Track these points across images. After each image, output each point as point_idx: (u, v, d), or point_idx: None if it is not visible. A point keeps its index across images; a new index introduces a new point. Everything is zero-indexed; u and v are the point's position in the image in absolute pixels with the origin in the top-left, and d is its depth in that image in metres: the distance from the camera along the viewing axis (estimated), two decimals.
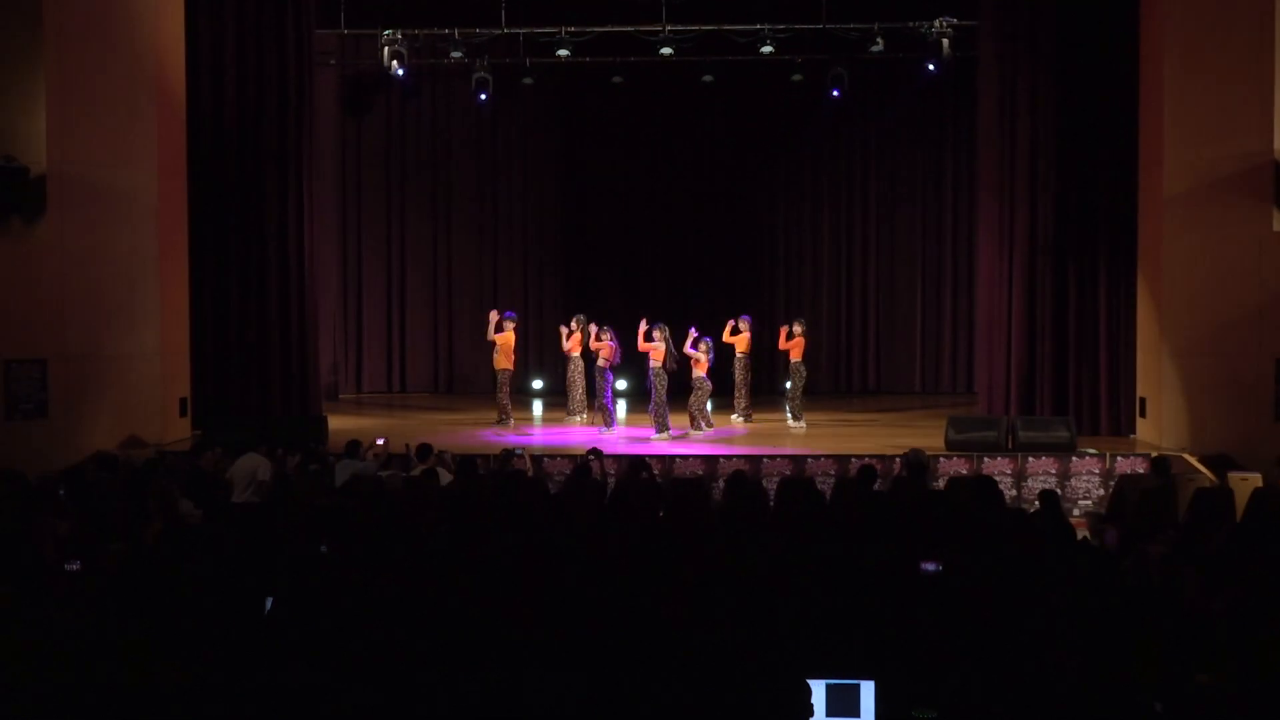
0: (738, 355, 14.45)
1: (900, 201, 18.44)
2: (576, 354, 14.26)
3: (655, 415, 12.92)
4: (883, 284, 18.59)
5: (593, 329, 13.98)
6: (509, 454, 9.77)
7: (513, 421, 13.98)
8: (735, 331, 14.31)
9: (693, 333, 13.43)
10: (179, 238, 13.03)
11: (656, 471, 10.70)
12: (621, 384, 14.27)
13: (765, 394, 16.90)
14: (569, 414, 14.47)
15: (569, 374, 14.44)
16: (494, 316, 14.21)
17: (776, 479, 10.85)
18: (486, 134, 18.56)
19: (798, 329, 14.18)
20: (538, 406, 14.81)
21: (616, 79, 17.01)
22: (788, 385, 14.33)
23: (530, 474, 10.21)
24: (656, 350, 13.07)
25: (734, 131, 18.24)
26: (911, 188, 18.38)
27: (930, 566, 5.85)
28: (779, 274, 18.61)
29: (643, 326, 13.36)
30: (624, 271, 18.50)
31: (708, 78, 16.93)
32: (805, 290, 18.60)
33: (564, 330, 14.36)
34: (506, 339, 14.04)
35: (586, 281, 18.57)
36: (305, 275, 13.91)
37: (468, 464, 9.27)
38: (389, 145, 18.41)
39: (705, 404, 13.39)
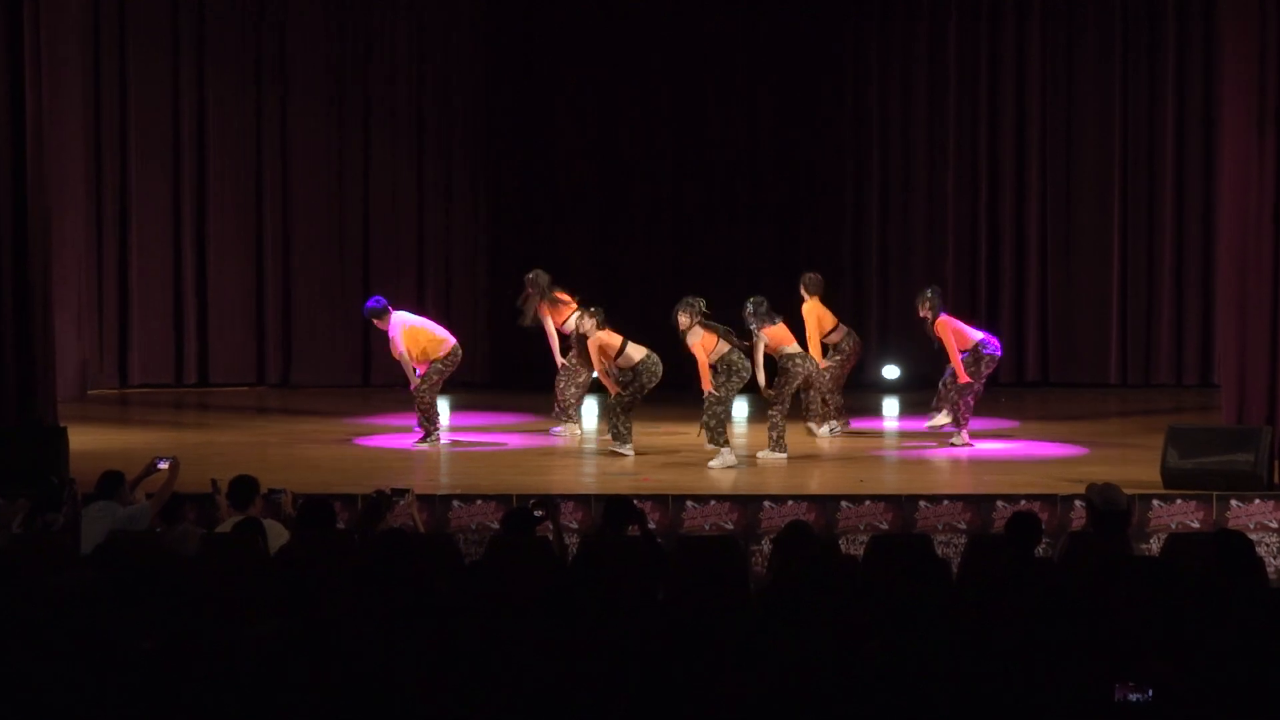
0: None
1: (1085, 95, 18.62)
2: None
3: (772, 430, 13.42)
4: (1054, 221, 18.78)
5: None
6: (385, 497, 9.79)
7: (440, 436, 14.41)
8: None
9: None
10: None
11: (654, 524, 10.72)
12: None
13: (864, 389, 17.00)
14: (555, 418, 15.05)
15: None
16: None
17: (863, 536, 10.84)
18: None
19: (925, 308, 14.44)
20: (442, 408, 14.92)
21: None
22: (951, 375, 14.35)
23: (423, 530, 10.22)
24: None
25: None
26: (1103, 72, 18.47)
27: (1136, 696, 5.82)
28: (870, 214, 18.86)
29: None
30: (601, 205, 18.88)
31: None
32: (916, 233, 18.90)
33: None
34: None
35: (534, 221, 18.85)
36: (30, 194, 13.80)
37: (317, 511, 9.29)
38: None
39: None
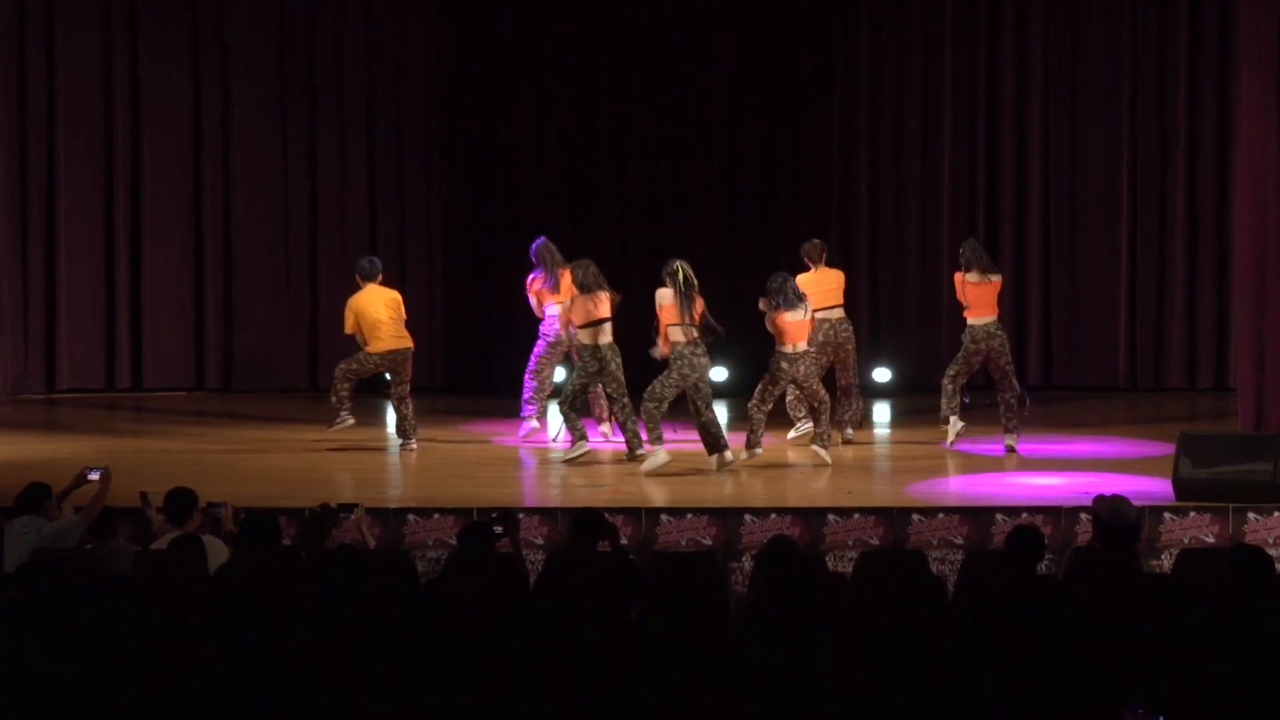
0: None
1: (1090, 77, 18.66)
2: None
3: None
4: (1058, 213, 18.84)
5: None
6: (331, 511, 9.78)
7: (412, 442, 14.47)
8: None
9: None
10: None
11: (626, 539, 10.76)
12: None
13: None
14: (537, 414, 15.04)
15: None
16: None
17: (852, 552, 10.83)
18: None
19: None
20: (390, 414, 14.95)
21: None
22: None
23: (374, 546, 10.22)
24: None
25: None
26: (1110, 52, 18.55)
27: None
28: (859, 205, 18.98)
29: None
30: (570, 199, 18.93)
31: None
32: (908, 226, 18.95)
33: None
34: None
35: (494, 215, 18.88)
36: None
37: (260, 526, 9.27)
38: None
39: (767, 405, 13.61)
